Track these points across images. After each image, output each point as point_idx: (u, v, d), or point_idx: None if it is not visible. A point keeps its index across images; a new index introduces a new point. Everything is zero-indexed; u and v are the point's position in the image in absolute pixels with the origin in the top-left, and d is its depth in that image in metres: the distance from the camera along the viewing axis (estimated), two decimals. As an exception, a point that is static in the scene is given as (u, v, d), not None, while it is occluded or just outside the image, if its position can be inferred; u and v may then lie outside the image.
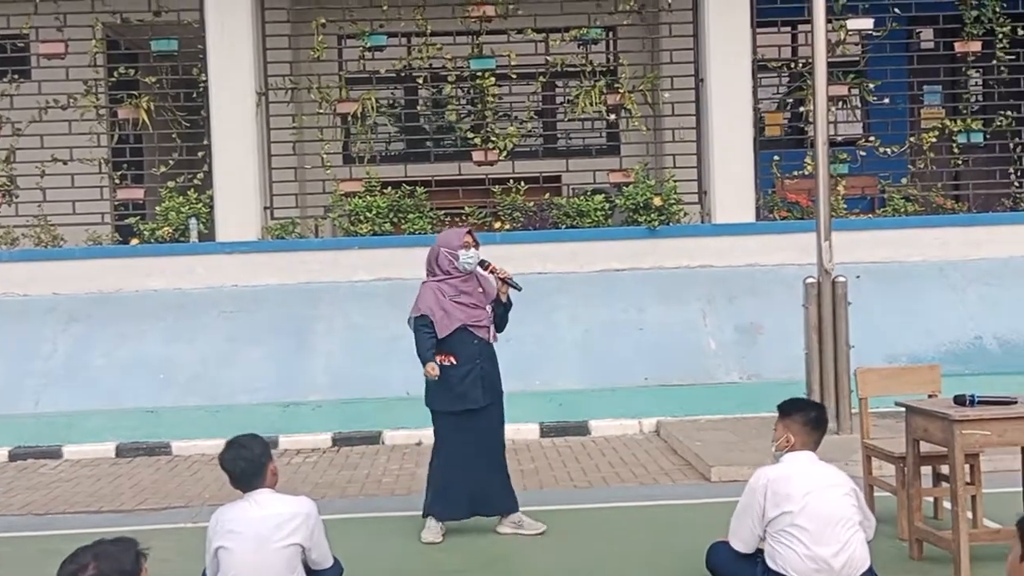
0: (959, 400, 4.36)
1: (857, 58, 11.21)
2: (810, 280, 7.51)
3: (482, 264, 5.43)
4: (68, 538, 5.89)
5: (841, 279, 7.48)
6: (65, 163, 9.90)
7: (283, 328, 9.26)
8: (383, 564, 5.08)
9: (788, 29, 11.13)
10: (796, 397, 4.24)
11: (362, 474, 7.25)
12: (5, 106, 10.00)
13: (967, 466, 4.85)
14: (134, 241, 9.90)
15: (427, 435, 8.21)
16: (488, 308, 5.45)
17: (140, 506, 6.64)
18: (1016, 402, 4.32)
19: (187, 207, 9.80)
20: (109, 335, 9.21)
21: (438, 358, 5.33)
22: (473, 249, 5.38)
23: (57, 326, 9.28)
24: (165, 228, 9.77)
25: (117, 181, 10.21)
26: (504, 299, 5.50)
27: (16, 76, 10.02)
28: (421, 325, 5.38)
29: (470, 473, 5.37)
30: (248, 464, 3.90)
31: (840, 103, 10.59)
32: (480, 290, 5.45)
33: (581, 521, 5.75)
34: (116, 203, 10.23)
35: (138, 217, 10.00)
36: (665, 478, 6.85)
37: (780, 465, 4.01)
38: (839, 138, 10.75)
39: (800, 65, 10.73)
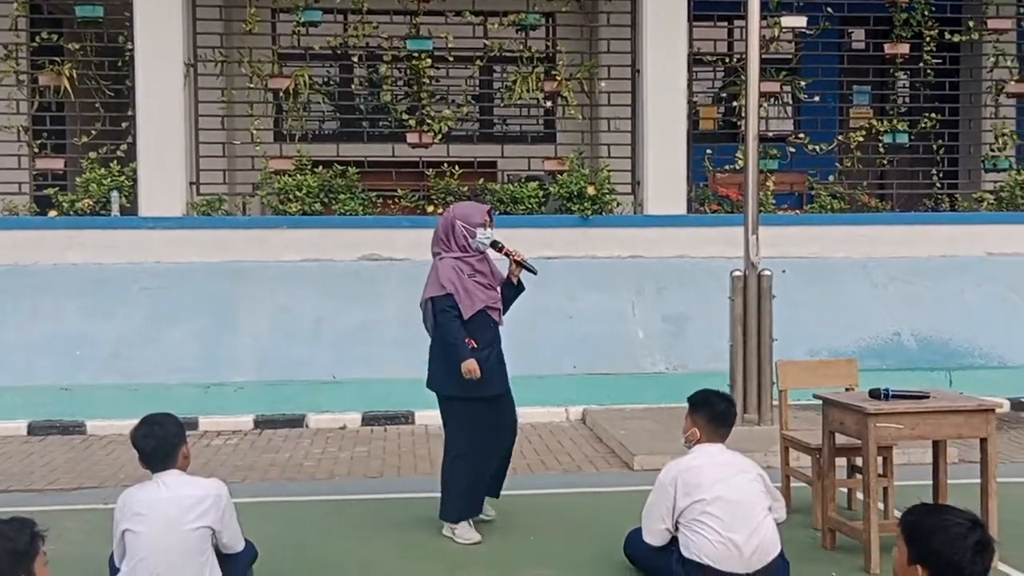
0: (874, 394, 4.44)
1: (790, 55, 11.40)
2: (736, 273, 7.60)
3: (495, 245, 5.11)
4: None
5: (767, 273, 7.58)
6: (-20, 129, 9.52)
7: (207, 307, 9.06)
8: (299, 550, 4.99)
9: (724, 24, 11.25)
10: (705, 389, 4.26)
11: (283, 457, 7.13)
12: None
13: (880, 458, 4.96)
14: (52, 213, 9.57)
15: (351, 419, 8.28)
16: (498, 290, 5.16)
17: (50, 486, 6.44)
18: (928, 397, 4.42)
19: (109, 179, 9.51)
20: (23, 309, 8.90)
21: None
22: (489, 228, 5.08)
23: (-33, 299, 8.93)
24: (85, 200, 9.47)
25: (36, 150, 9.83)
26: (515, 281, 5.21)
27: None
28: (448, 306, 4.91)
29: (491, 464, 5.10)
30: (159, 443, 3.80)
31: (772, 99, 10.72)
32: (491, 271, 5.16)
33: (504, 507, 5.72)
34: (35, 172, 9.86)
35: (57, 188, 9.66)
36: (589, 466, 6.88)
37: (688, 456, 4.05)
38: (770, 134, 10.89)
39: (735, 60, 10.84)
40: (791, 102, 11.47)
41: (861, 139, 10.63)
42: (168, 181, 9.61)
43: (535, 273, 5.28)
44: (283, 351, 8.74)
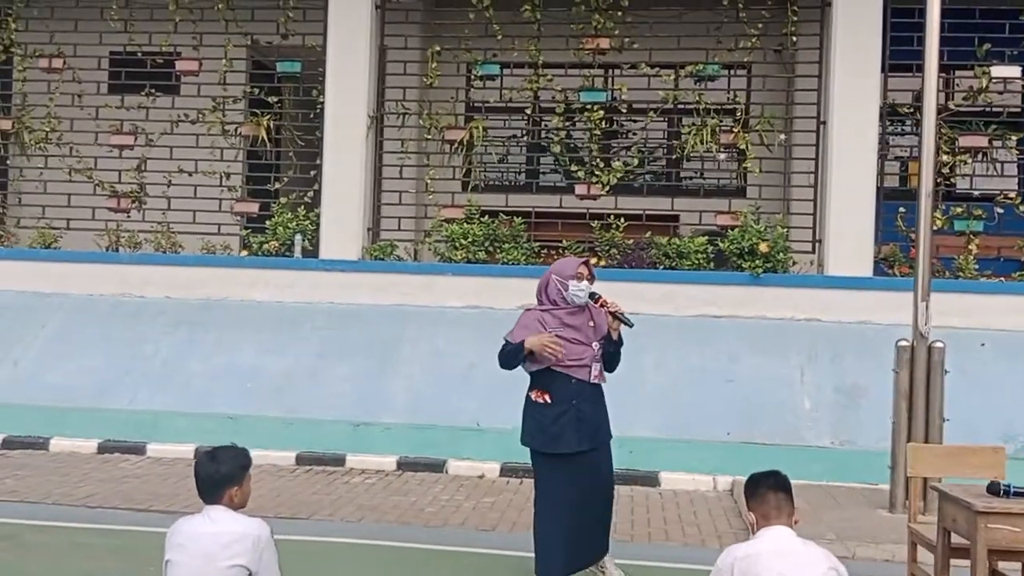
0: (992, 489, 3.81)
1: (1016, 108, 10.35)
2: (903, 343, 6.90)
3: (592, 297, 5.04)
4: (99, 532, 6.18)
5: (938, 344, 6.82)
6: (190, 175, 10.43)
7: (369, 348, 9.36)
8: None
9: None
10: (757, 472, 3.80)
11: (409, 501, 7.17)
12: (141, 118, 10.64)
13: (1019, 564, 4.26)
14: (243, 253, 10.30)
15: (489, 468, 8.23)
16: (595, 345, 5.03)
17: (187, 507, 6.80)
18: (1062, 499, 3.73)
19: (295, 223, 10.11)
20: (208, 341, 9.58)
21: (534, 393, 5.01)
22: (586, 281, 5.02)
23: (164, 329, 9.74)
24: (272, 242, 10.12)
25: (236, 195, 10.65)
26: (615, 336, 5.08)
27: (154, 91, 10.65)
28: (506, 346, 5.04)
29: (570, 523, 4.94)
30: (207, 476, 3.87)
31: (979, 155, 9.73)
32: (591, 324, 5.05)
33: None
34: (235, 215, 10.67)
35: (249, 230, 10.40)
36: (715, 541, 6.39)
37: (750, 542, 3.61)
38: (975, 193, 9.90)
39: (938, 113, 9.95)
40: (1012, 159, 10.39)
41: (1082, 201, 9.42)
42: (347, 226, 10.09)
43: (631, 326, 5.14)
44: (434, 395, 8.85)
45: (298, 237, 10.08)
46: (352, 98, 10.10)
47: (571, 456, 4.95)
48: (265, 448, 8.40)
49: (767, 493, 3.59)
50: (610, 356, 5.13)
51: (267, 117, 10.40)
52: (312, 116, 10.41)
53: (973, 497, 3.78)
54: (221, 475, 3.89)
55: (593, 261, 9.66)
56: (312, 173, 10.36)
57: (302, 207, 10.28)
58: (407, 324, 9.61)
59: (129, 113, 10.66)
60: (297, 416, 8.76)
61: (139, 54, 10.70)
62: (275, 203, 10.40)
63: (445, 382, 8.97)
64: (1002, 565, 4.53)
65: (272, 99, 10.50)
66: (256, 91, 10.65)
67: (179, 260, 10.27)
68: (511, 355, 4.99)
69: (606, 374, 5.15)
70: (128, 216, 10.67)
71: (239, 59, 10.79)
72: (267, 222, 10.26)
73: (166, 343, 9.61)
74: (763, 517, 3.60)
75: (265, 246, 10.12)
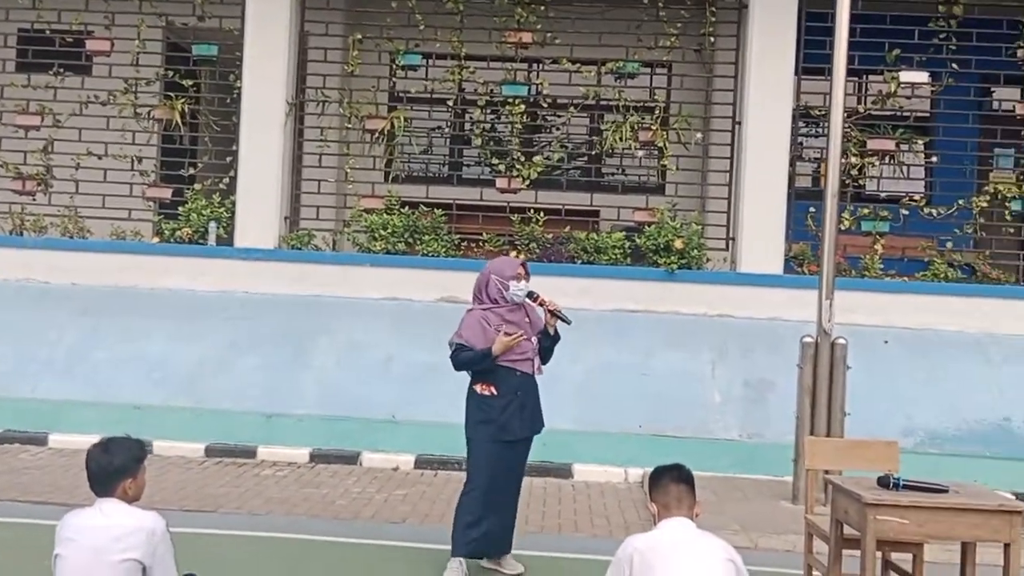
0: (883, 482, 3.94)
1: (923, 112, 10.70)
2: (807, 339, 7.09)
3: (531, 296, 5.37)
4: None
5: (841, 341, 7.03)
6: (100, 158, 10.12)
7: (284, 338, 9.22)
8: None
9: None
10: (661, 465, 3.88)
11: (320, 493, 7.10)
12: (49, 98, 10.28)
13: (911, 555, 4.41)
14: (154, 239, 10.05)
15: (404, 461, 8.20)
16: (534, 340, 5.37)
17: (87, 500, 6.60)
18: (947, 491, 3.88)
19: (209, 210, 9.90)
20: (116, 329, 9.32)
21: (479, 386, 5.31)
22: (524, 281, 5.34)
23: (69, 316, 9.44)
24: (186, 229, 9.89)
25: (148, 179, 10.38)
26: (552, 332, 5.43)
27: (63, 70, 10.30)
28: (461, 350, 5.32)
29: (497, 509, 5.29)
30: (99, 468, 3.78)
31: (887, 159, 10.04)
32: (527, 320, 5.38)
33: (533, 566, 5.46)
34: (147, 200, 10.39)
35: (161, 216, 10.15)
36: (622, 532, 6.44)
37: (649, 534, 3.68)
38: (881, 194, 10.21)
39: (847, 116, 10.24)
40: (918, 163, 10.74)
41: (985, 204, 9.78)
42: (263, 214, 9.91)
43: (569, 323, 5.47)
44: (349, 387, 8.77)
45: (213, 224, 9.87)
46: (270, 84, 9.93)
47: (513, 443, 5.30)
48: (173, 439, 8.26)
49: (669, 485, 3.65)
50: (546, 350, 5.48)
51: (182, 101, 10.16)
52: (229, 101, 10.19)
53: (864, 489, 3.90)
54: (114, 467, 3.80)
55: (512, 255, 9.73)
56: (228, 159, 10.16)
57: (217, 194, 10.08)
58: (323, 315, 9.50)
59: (36, 93, 10.28)
60: (207, 407, 8.60)
61: (48, 32, 10.33)
62: (189, 189, 10.17)
63: (361, 374, 8.89)
64: (895, 556, 4.69)
65: (187, 82, 10.24)
66: (171, 74, 10.40)
67: (87, 245, 9.97)
68: (479, 361, 5.23)
69: (543, 367, 5.51)
70: (33, 199, 10.31)
71: (153, 40, 10.48)
72: (180, 208, 10.03)
73: (71, 330, 9.32)
74: (664, 508, 3.66)
75: (178, 233, 9.89)
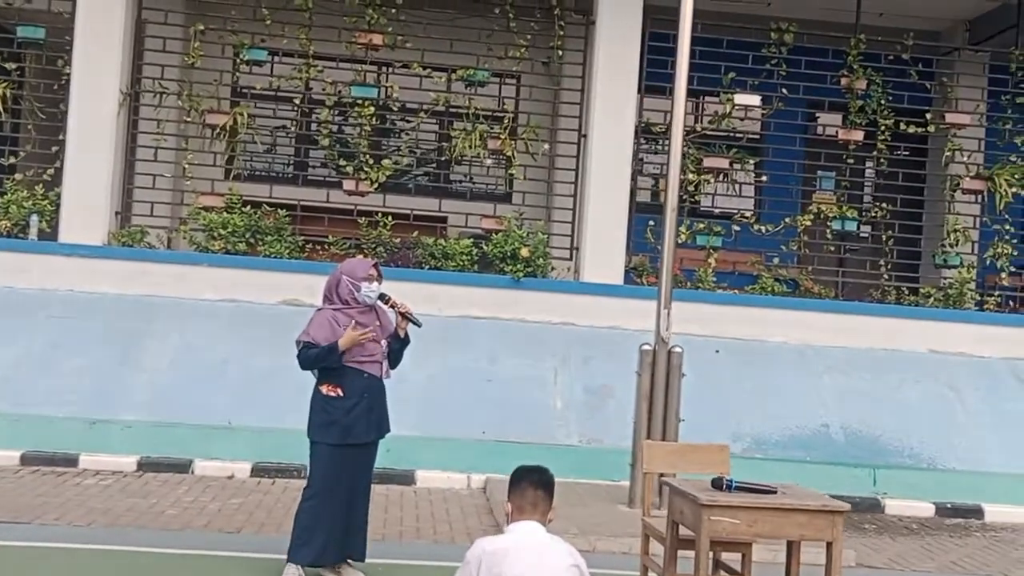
0: (716, 484, 4.10)
1: (755, 134, 11.27)
2: (645, 347, 7.31)
3: (382, 298, 5.33)
4: None
5: (677, 349, 7.29)
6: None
7: (111, 340, 8.75)
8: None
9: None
10: (523, 465, 3.93)
11: (147, 503, 6.75)
12: None
13: (740, 555, 4.60)
14: (-32, 232, 9.34)
15: (240, 468, 7.93)
16: (383, 343, 5.31)
17: None
18: (775, 492, 4.08)
19: (31, 202, 9.28)
20: (-80, 327, 8.60)
21: (324, 387, 5.20)
22: (376, 283, 5.28)
23: None
24: (4, 222, 9.24)
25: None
26: (402, 334, 5.38)
27: None
28: (308, 348, 5.19)
29: (341, 512, 5.18)
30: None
31: (720, 176, 10.52)
32: (378, 323, 5.33)
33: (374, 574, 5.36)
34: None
35: (-24, 207, 9.44)
36: (464, 538, 6.45)
37: (499, 537, 3.70)
38: (715, 210, 10.69)
39: (685, 134, 10.66)
40: (749, 181, 11.30)
41: (809, 223, 10.40)
42: (91, 209, 9.38)
43: (419, 326, 5.43)
44: (181, 392, 8.40)
45: (34, 218, 9.26)
46: (103, 71, 9.42)
47: (358, 447, 5.22)
48: (-17, 447, 7.67)
49: (528, 488, 3.67)
50: (395, 353, 5.42)
51: (3, 85, 9.49)
52: (56, 88, 9.60)
53: (698, 491, 4.05)
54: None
55: (360, 258, 9.58)
56: (54, 149, 9.55)
57: (40, 185, 9.46)
58: (155, 316, 9.07)
59: None
60: (24, 411, 8.04)
61: None
62: (9, 179, 9.50)
63: (194, 378, 8.54)
64: (725, 556, 4.89)
65: (10, 66, 9.58)
66: (-9, 55, 9.70)
67: None
68: (325, 356, 5.12)
69: (391, 371, 5.47)
70: None
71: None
72: (-3, 199, 9.36)
73: None
74: (518, 510, 3.68)
75: (-6, 225, 9.23)
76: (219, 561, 5.53)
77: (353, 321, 5.18)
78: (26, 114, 9.81)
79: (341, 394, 5.18)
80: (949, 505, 8.30)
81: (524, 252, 9.60)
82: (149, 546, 5.66)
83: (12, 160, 9.67)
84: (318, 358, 5.15)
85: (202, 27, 9.80)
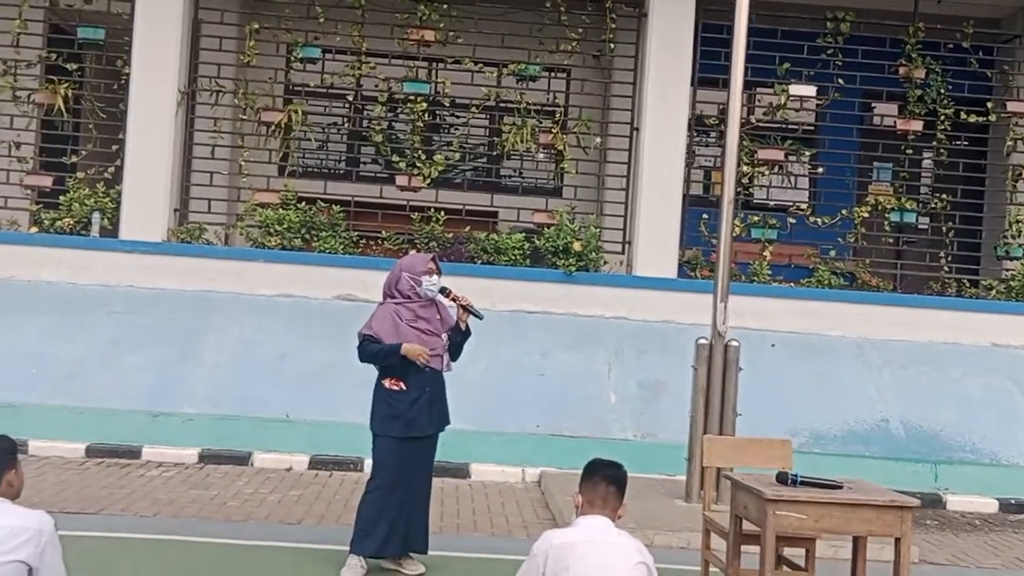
0: (781, 479, 4.06)
1: (810, 125, 11.11)
2: (702, 341, 7.24)
3: (443, 291, 5.35)
4: None
5: (734, 343, 7.21)
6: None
7: (171, 335, 8.90)
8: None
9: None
10: (596, 458, 3.91)
11: (210, 495, 6.86)
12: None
13: (803, 551, 4.56)
14: (33, 229, 9.56)
15: (298, 461, 8.02)
16: (444, 336, 5.35)
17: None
18: (841, 487, 4.02)
19: (93, 200, 9.48)
20: (-11, 323, 8.82)
21: (388, 381, 5.23)
22: (436, 276, 5.30)
23: (-63, 308, 8.89)
24: (67, 219, 9.45)
25: (27, 166, 9.86)
26: (463, 327, 5.41)
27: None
28: (369, 343, 5.23)
29: (403, 505, 5.23)
30: (-27, 466, 3.54)
31: (776, 168, 10.40)
32: (438, 317, 5.36)
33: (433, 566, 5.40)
34: (25, 188, 9.87)
35: (41, 205, 9.66)
36: (521, 532, 6.50)
37: (567, 530, 3.68)
38: (770, 203, 10.57)
39: (740, 126, 10.54)
40: (804, 173, 11.16)
41: (866, 215, 10.23)
42: (151, 206, 9.56)
43: (481, 318, 5.45)
44: (240, 385, 8.52)
45: (96, 215, 9.46)
46: (161, 71, 9.58)
47: (420, 440, 5.26)
48: (51, 439, 7.86)
49: (600, 482, 3.65)
50: (456, 346, 5.44)
51: (65, 85, 9.70)
52: (116, 87, 9.79)
53: (763, 485, 4.01)
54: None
55: (413, 252, 9.65)
56: (114, 148, 9.75)
57: (102, 183, 9.66)
58: (214, 311, 9.22)
59: (-96, 71, 9.66)
60: (88, 405, 8.20)
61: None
62: (71, 177, 9.72)
63: (253, 372, 8.66)
64: (787, 551, 4.84)
65: (71, 66, 9.79)
66: (54, 57, 9.91)
67: (-42, 235, 9.41)
68: (383, 357, 5.17)
69: (452, 364, 5.48)
70: (-101, 184, 9.68)
71: (35, 21, 9.97)
72: (61, 197, 9.57)
73: (-61, 324, 8.77)
74: (588, 504, 3.66)
75: (58, 223, 9.44)
76: (282, 552, 5.60)
77: (416, 318, 5.21)
78: (87, 114, 10.02)
79: (404, 388, 5.21)
80: (1013, 501, 8.13)
81: (576, 246, 9.59)
82: (214, 536, 5.76)
83: (74, 159, 9.88)
84: (378, 355, 5.19)
85: (257, 26, 9.92)
